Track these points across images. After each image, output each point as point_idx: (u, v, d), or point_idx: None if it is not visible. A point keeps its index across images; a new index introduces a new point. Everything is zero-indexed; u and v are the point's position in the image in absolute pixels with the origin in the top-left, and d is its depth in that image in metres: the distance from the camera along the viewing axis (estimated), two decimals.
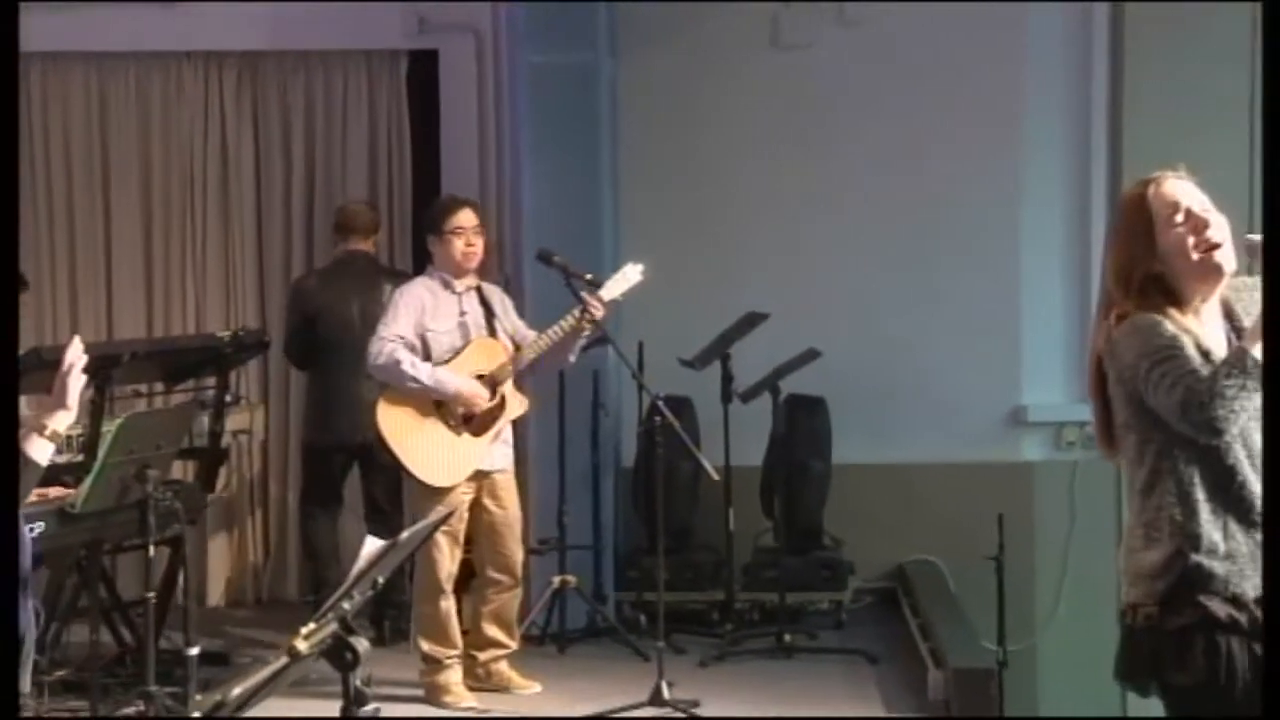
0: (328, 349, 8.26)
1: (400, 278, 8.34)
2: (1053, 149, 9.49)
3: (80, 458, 6.68)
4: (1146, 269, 3.95)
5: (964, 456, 9.43)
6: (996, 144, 9.39)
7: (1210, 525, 3.89)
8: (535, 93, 8.72)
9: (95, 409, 6.94)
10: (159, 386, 8.08)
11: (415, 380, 7.04)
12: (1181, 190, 4.00)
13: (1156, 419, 3.89)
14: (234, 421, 8.02)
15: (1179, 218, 3.97)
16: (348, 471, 8.54)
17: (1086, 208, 9.41)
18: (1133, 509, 4.01)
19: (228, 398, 7.90)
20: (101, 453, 6.50)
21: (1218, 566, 3.87)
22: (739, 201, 9.37)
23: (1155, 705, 4.10)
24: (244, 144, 9.28)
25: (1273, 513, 3.69)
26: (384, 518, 8.38)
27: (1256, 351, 3.75)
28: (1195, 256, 3.95)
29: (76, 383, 4.28)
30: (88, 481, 6.46)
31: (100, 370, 7.10)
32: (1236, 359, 3.76)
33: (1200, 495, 3.89)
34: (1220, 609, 3.87)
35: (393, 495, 8.16)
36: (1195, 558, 3.87)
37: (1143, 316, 3.91)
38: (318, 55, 9.22)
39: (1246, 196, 8.87)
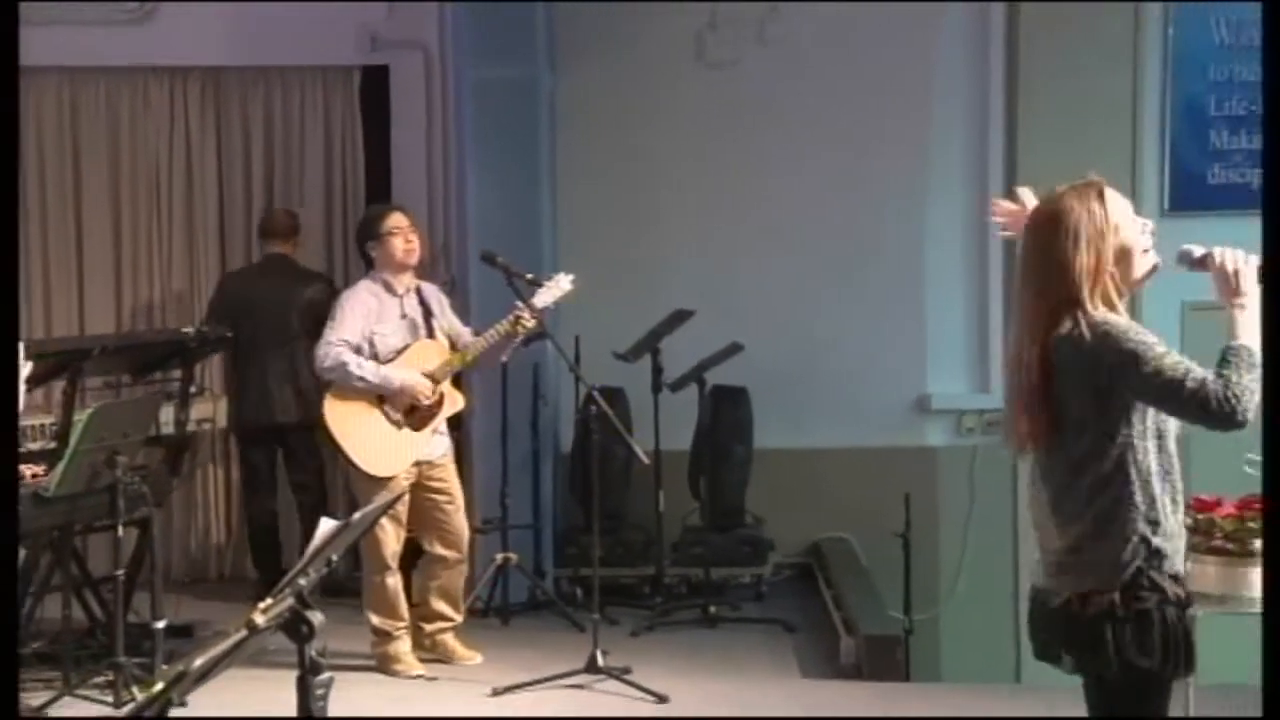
0: (249, 341, 8.38)
1: (314, 278, 8.64)
2: (954, 157, 9.54)
3: (54, 445, 6.64)
4: (1105, 271, 3.93)
5: (873, 442, 9.47)
6: (902, 153, 9.44)
7: (1162, 510, 3.90)
8: (479, 105, 8.73)
9: (67, 399, 6.91)
10: (127, 378, 8.01)
11: (362, 379, 7.07)
12: (1122, 199, 4.02)
13: (1124, 414, 3.87)
14: (198, 411, 7.98)
15: (1133, 224, 3.98)
16: (275, 453, 8.71)
17: (985, 214, 9.46)
18: (1074, 501, 3.91)
19: (192, 389, 7.88)
20: (73, 440, 6.44)
21: (1166, 547, 3.89)
22: (669, 207, 9.39)
23: (1047, 668, 4.13)
24: (207, 153, 9.21)
25: (1273, 512, 3.68)
26: (308, 493, 8.69)
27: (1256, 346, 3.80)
28: (1138, 260, 3.98)
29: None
30: (60, 467, 6.42)
31: (72, 363, 7.07)
32: (1246, 353, 3.78)
33: (1156, 485, 3.90)
34: (1170, 588, 3.88)
35: (315, 473, 8.61)
36: (1156, 542, 3.89)
37: (1117, 318, 3.89)
38: (276, 70, 9.18)
39: (1129, 191, 8.97)
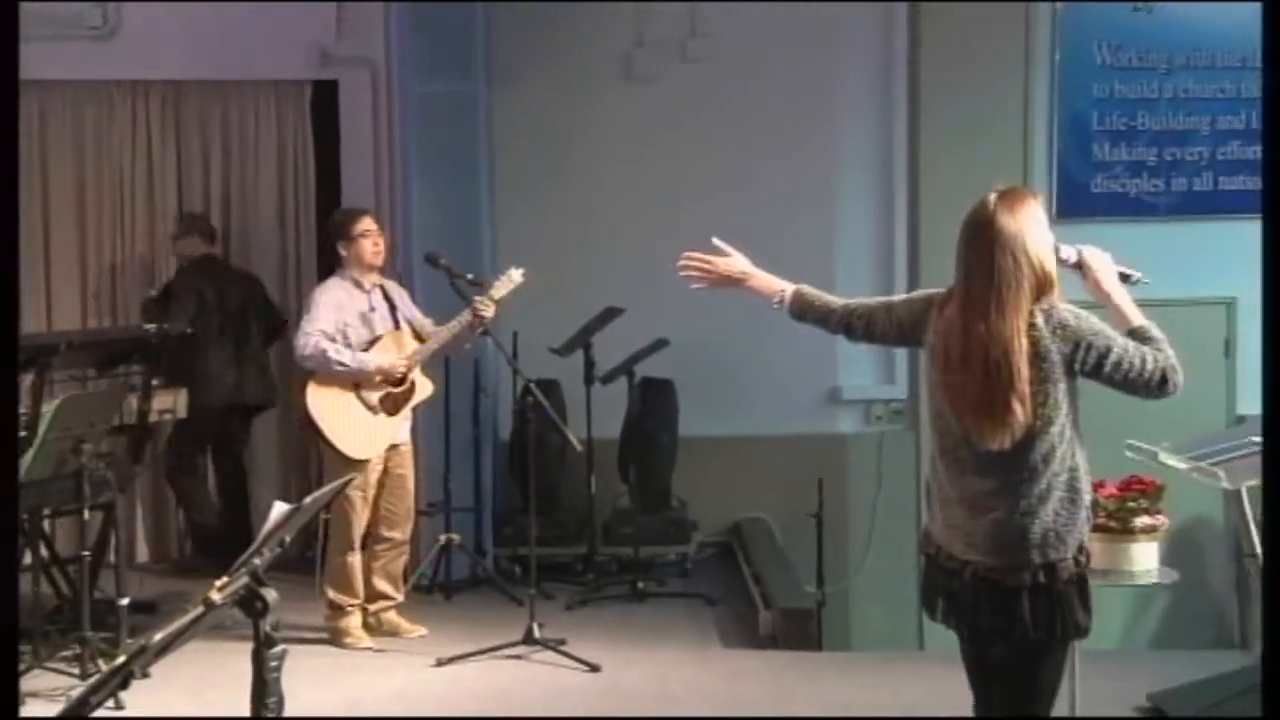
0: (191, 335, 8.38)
1: (244, 277, 8.84)
2: (861, 166, 9.61)
3: (24, 434, 6.59)
4: (1048, 271, 4.00)
5: (788, 430, 9.51)
6: (812, 162, 9.50)
7: (1069, 492, 3.97)
8: (423, 118, 8.74)
9: (35, 391, 6.84)
10: (93, 372, 7.96)
11: (341, 364, 7.09)
12: None
13: (1074, 394, 3.94)
14: (159, 402, 7.91)
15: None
16: (210, 438, 8.82)
17: (890, 217, 9.55)
18: (1014, 478, 3.93)
19: (154, 382, 7.83)
20: (42, 429, 6.42)
21: (1071, 529, 3.95)
22: (599, 212, 9.40)
23: (947, 635, 4.17)
24: (168, 162, 9.16)
25: (1272, 511, 3.71)
26: (242, 474, 8.85)
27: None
28: (1060, 257, 4.06)
29: None
30: (30, 454, 6.38)
31: (40, 357, 7.02)
32: (1148, 332, 3.92)
33: (1081, 465, 3.96)
34: (1083, 561, 3.96)
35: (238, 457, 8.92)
36: (1092, 516, 3.98)
37: (1071, 308, 3.96)
38: (233, 84, 9.12)
39: (1020, 174, 9.08)
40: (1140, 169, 9.50)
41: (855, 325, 4.47)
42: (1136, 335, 3.92)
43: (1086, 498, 3.93)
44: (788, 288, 4.60)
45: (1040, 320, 3.88)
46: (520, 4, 9.23)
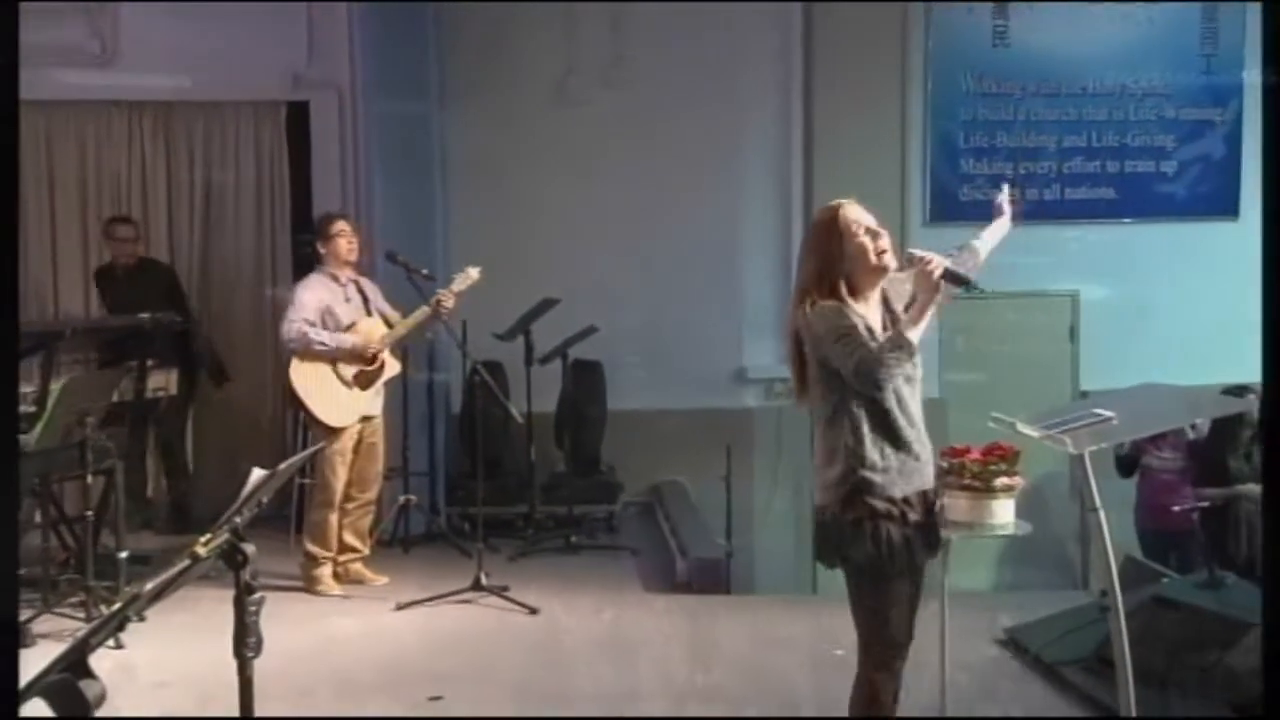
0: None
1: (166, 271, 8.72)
2: (763, 175, 9.65)
3: (33, 409, 6.52)
4: (836, 270, 4.09)
5: (702, 404, 9.55)
6: (722, 171, 9.53)
7: (872, 449, 4.04)
8: (383, 134, 8.71)
9: (44, 372, 6.79)
10: (94, 355, 7.88)
11: (321, 343, 7.10)
12: (859, 214, 4.14)
13: (837, 376, 4.03)
14: (153, 381, 7.85)
15: (863, 233, 4.10)
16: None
17: (788, 221, 9.59)
18: (818, 439, 4.14)
19: (149, 363, 7.77)
20: (50, 405, 6.37)
21: (877, 477, 4.04)
22: (536, 216, 9.40)
23: (837, 579, 4.21)
24: (159, 173, 9.05)
25: (1272, 511, 3.72)
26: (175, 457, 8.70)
27: (910, 334, 3.94)
28: (872, 261, 4.10)
29: None
30: (39, 427, 6.32)
31: (48, 343, 6.94)
32: (895, 338, 3.96)
33: (865, 429, 4.05)
34: (880, 505, 4.05)
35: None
36: (861, 472, 4.03)
37: (829, 304, 4.05)
38: (216, 105, 9.03)
39: (899, 206, 9.14)
40: (999, 180, 9.56)
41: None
42: (890, 338, 4.02)
43: (844, 464, 4.04)
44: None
45: (803, 313, 4.08)
46: (468, 34, 9.21)
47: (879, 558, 4.06)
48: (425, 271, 7.20)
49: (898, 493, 4.08)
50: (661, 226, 9.44)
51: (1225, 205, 9.75)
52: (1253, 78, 9.65)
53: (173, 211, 9.07)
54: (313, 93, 8.96)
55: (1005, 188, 4.83)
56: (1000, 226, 4.75)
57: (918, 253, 4.08)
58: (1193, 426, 8.22)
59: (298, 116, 9.04)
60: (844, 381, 4.04)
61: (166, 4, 8.66)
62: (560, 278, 8.81)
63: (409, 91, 8.79)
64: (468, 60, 9.22)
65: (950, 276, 4.03)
